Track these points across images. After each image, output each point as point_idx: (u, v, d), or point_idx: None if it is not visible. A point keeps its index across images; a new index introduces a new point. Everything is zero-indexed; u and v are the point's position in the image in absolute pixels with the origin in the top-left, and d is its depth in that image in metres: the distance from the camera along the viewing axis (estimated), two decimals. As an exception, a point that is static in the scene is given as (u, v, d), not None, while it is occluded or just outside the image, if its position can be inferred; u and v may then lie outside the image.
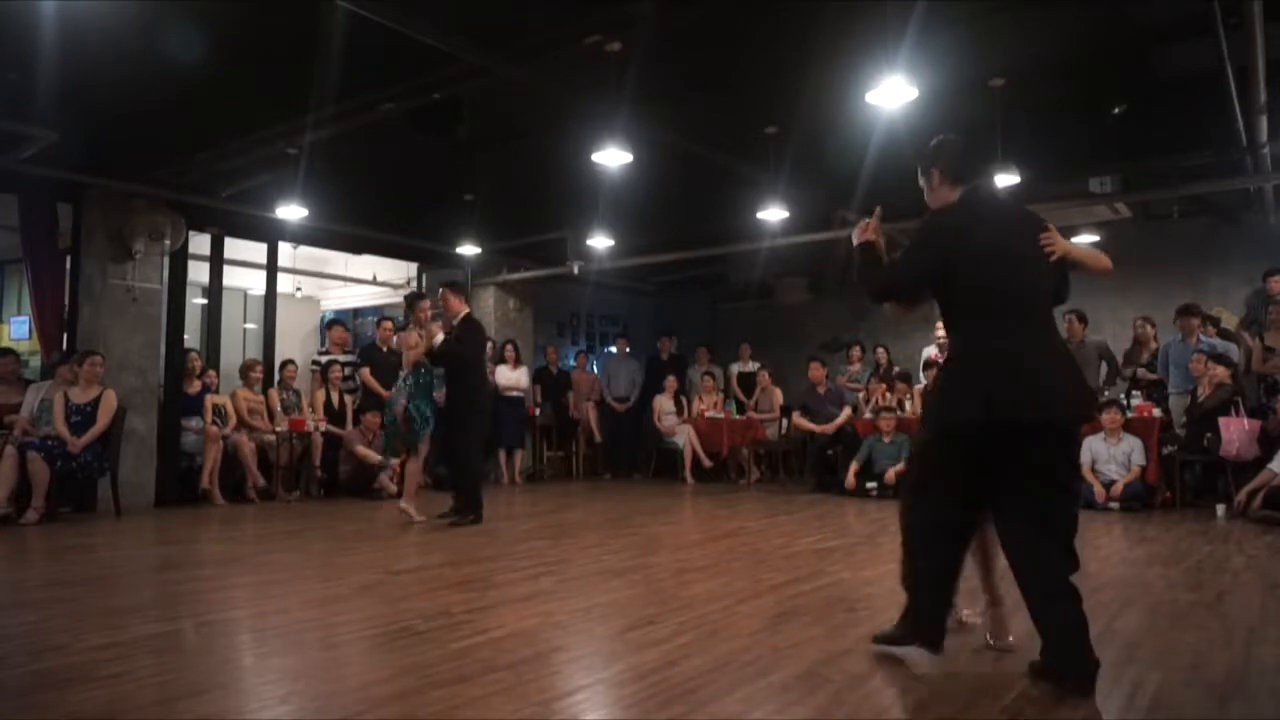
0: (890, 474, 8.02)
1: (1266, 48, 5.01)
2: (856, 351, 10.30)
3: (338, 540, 5.77)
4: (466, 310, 6.64)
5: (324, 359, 9.41)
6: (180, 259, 8.20)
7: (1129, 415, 7.56)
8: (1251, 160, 7.01)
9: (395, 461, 7.86)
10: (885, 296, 3.08)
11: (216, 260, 8.76)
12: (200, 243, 8.57)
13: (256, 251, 9.40)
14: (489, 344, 10.34)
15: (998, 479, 2.69)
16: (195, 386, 8.11)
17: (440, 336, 6.44)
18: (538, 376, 11.09)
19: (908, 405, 8.88)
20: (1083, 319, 8.49)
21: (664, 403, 10.86)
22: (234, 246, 8.98)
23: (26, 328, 9.00)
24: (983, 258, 2.71)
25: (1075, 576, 2.61)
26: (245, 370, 8.62)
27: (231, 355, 9.64)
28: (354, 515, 7.07)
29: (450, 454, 6.77)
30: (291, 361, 9.11)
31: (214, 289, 8.88)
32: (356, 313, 12.80)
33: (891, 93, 5.01)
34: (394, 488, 8.16)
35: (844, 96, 5.65)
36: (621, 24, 4.98)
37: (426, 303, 6.66)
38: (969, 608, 3.22)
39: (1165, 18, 5.26)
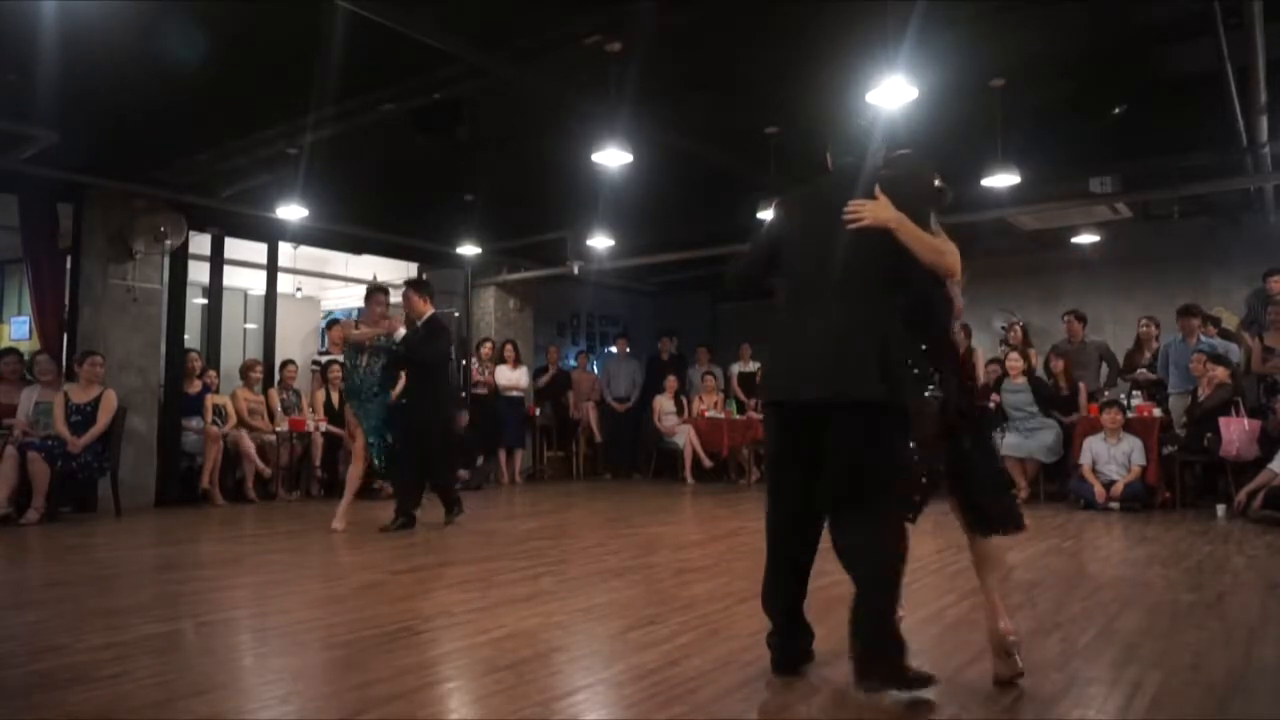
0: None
1: (1266, 48, 5.01)
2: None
3: (338, 540, 5.77)
4: (431, 311, 6.36)
5: (324, 359, 9.42)
6: (180, 259, 8.21)
7: (1129, 415, 7.56)
8: (1251, 160, 7.01)
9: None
10: (733, 282, 3.08)
11: (216, 260, 8.76)
12: (200, 243, 8.57)
13: (256, 251, 9.40)
14: (489, 344, 10.44)
15: (811, 466, 2.62)
16: (195, 386, 8.11)
17: (402, 331, 6.17)
18: (539, 376, 11.12)
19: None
20: (1082, 319, 8.50)
21: (664, 403, 10.87)
22: (234, 246, 8.98)
23: (26, 328, 9.00)
24: (796, 236, 2.69)
25: (873, 591, 2.42)
26: (245, 370, 8.62)
27: (231, 355, 9.64)
28: (354, 515, 7.06)
29: (419, 460, 6.30)
30: (291, 361, 9.12)
31: (214, 289, 8.88)
32: (358, 313, 12.80)
33: (891, 93, 5.01)
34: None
35: (844, 96, 5.65)
36: (621, 24, 4.98)
37: (385, 296, 6.46)
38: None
39: (1165, 18, 5.26)
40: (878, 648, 2.37)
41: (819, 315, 2.56)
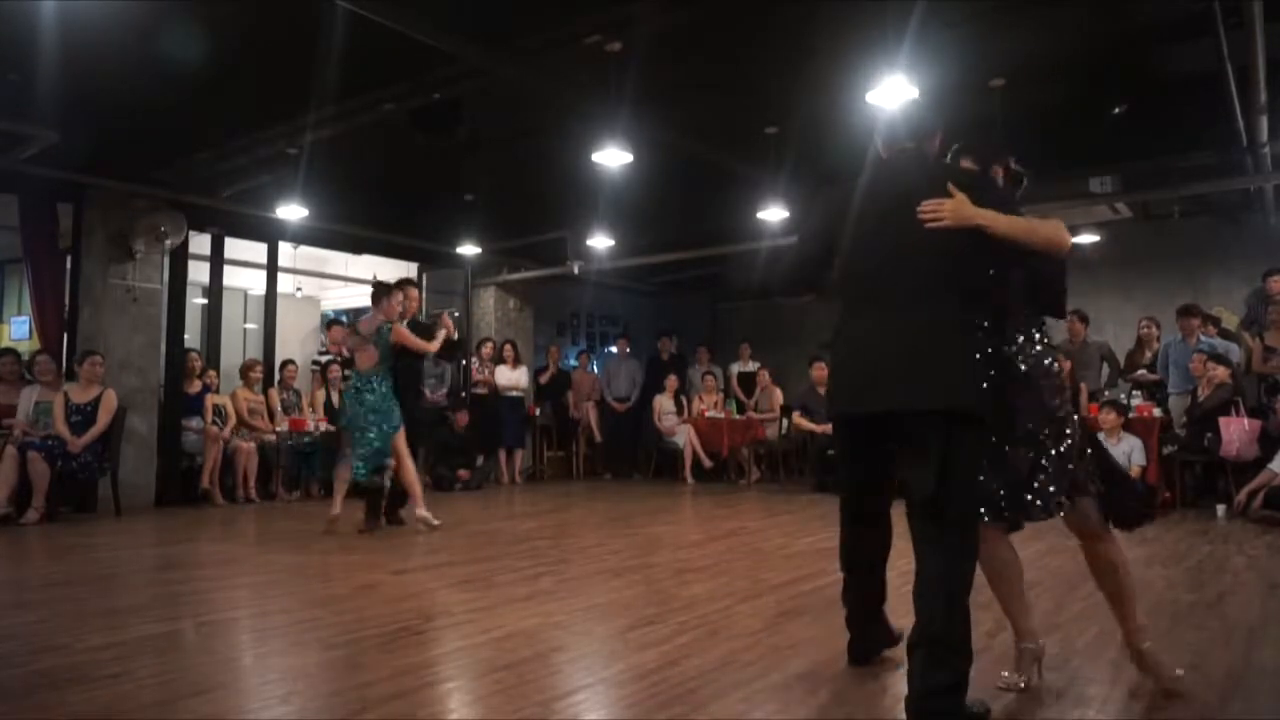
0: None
1: (1266, 48, 5.01)
2: (857, 351, 10.29)
3: (338, 540, 5.77)
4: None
5: (324, 359, 9.42)
6: (180, 259, 8.20)
7: (1129, 415, 7.56)
8: (1251, 160, 7.01)
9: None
10: (783, 283, 2.80)
11: (216, 260, 8.76)
12: (200, 243, 8.57)
13: (256, 251, 9.40)
14: (489, 344, 10.45)
15: (881, 478, 2.63)
16: (195, 386, 8.11)
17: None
18: (540, 374, 11.14)
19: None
20: (1084, 319, 8.50)
21: (664, 402, 10.86)
22: (234, 246, 8.98)
23: (26, 328, 9.00)
24: (854, 233, 2.47)
25: (943, 634, 2.21)
26: (245, 370, 8.62)
27: (231, 355, 9.64)
28: (354, 515, 7.06)
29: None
30: (291, 361, 9.12)
31: (214, 289, 8.88)
32: (357, 313, 12.80)
33: (891, 92, 5.00)
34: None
35: (844, 96, 5.64)
36: (621, 24, 4.98)
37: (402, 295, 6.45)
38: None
39: (1165, 18, 5.26)
40: (936, 692, 2.20)
41: (889, 320, 2.37)
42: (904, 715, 2.25)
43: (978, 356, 2.46)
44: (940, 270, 2.36)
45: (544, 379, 11.14)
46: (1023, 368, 2.51)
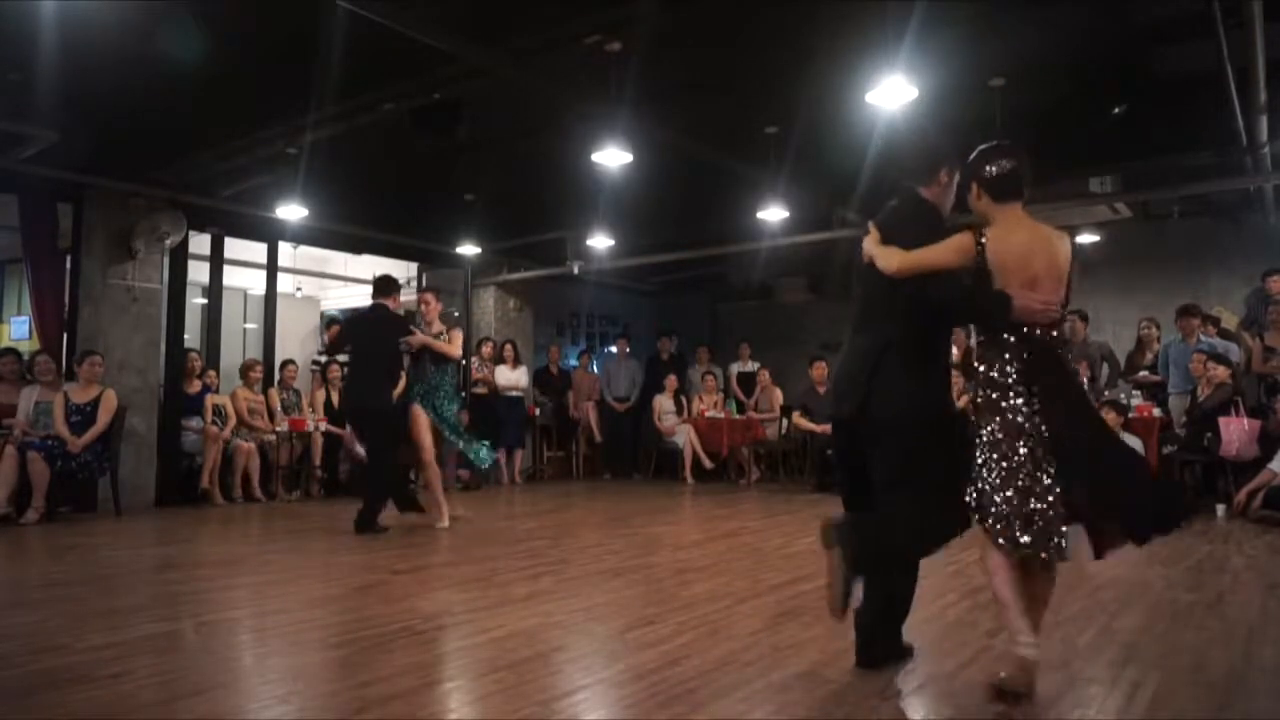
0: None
1: (1266, 48, 5.01)
2: (857, 351, 10.28)
3: (338, 540, 5.77)
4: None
5: (324, 359, 9.41)
6: (180, 259, 8.20)
7: (1129, 415, 7.55)
8: (1251, 160, 7.01)
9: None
10: None
11: (216, 260, 8.76)
12: (200, 243, 8.57)
13: (256, 251, 9.40)
14: (489, 344, 10.45)
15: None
16: (195, 386, 8.11)
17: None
18: (540, 377, 11.13)
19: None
20: (1084, 319, 8.50)
21: (664, 402, 10.86)
22: (234, 246, 8.98)
23: (26, 328, 9.00)
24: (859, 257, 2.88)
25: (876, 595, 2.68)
26: (245, 370, 8.62)
27: (231, 355, 9.64)
28: (354, 515, 7.06)
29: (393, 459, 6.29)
30: (291, 361, 9.12)
31: (214, 289, 8.88)
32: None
33: (891, 93, 5.01)
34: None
35: (844, 96, 5.64)
36: (621, 24, 4.98)
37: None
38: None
39: (1165, 18, 5.26)
40: (869, 629, 2.73)
41: (858, 338, 2.81)
42: (901, 715, 2.25)
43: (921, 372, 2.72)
44: (871, 297, 2.78)
45: (548, 401, 11.15)
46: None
